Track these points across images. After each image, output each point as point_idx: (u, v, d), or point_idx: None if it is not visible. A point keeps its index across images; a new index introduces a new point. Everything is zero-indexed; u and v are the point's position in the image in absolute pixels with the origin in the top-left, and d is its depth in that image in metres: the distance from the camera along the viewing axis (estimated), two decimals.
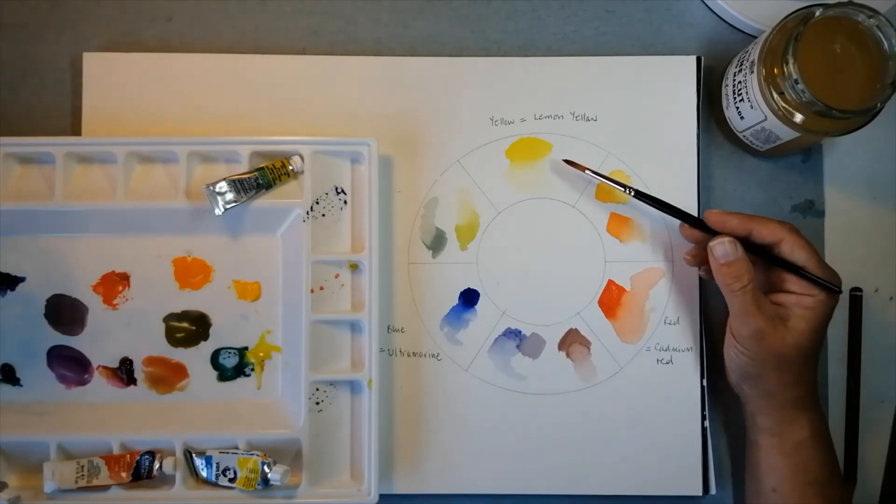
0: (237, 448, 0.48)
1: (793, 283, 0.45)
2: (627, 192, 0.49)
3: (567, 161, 0.51)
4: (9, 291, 0.51)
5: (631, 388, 0.51)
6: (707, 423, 0.51)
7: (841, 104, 0.44)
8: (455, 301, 0.52)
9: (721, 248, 0.45)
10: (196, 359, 0.51)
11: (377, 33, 0.54)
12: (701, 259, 0.48)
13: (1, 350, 0.50)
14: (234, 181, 0.49)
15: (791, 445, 0.45)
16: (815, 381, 0.46)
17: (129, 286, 0.51)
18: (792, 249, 0.45)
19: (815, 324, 0.44)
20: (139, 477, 0.48)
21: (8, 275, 0.51)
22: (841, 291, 0.45)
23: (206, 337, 0.51)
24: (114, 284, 0.51)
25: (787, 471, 0.45)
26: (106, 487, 0.48)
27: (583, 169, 0.50)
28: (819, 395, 0.47)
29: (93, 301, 0.51)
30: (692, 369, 0.51)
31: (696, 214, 0.51)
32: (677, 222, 0.51)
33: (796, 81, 0.44)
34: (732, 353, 0.46)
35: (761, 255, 0.46)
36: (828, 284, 0.44)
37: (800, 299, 0.45)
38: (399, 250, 0.52)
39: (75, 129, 0.52)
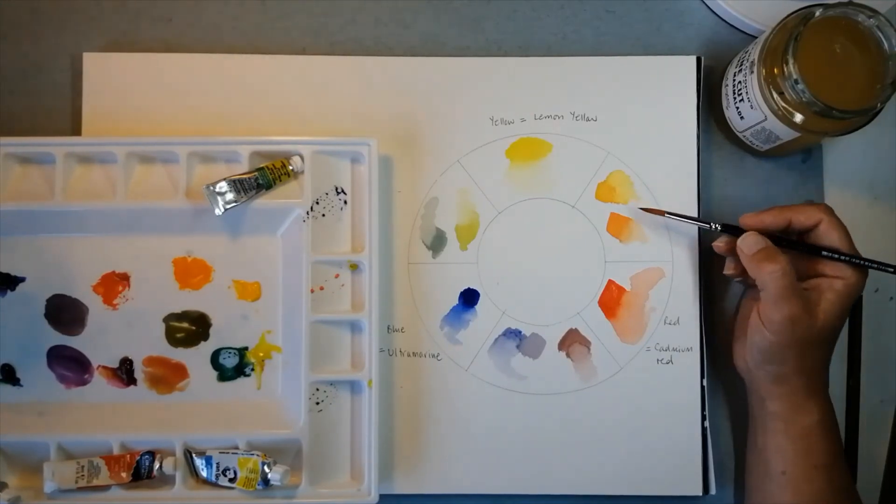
0: (237, 448, 0.48)
1: (826, 266, 0.46)
2: (712, 228, 0.48)
3: (644, 209, 0.51)
4: (9, 291, 0.51)
5: (631, 388, 0.51)
6: (707, 423, 0.51)
7: (841, 104, 0.44)
8: (455, 301, 0.52)
9: (747, 242, 0.46)
10: (196, 359, 0.51)
11: (377, 33, 0.54)
12: (741, 267, 0.48)
13: (1, 350, 0.50)
14: (234, 181, 0.49)
15: (798, 430, 0.46)
16: (826, 369, 0.47)
17: (129, 286, 0.51)
18: (828, 230, 0.46)
19: (842, 308, 0.45)
20: (139, 477, 0.48)
21: (8, 275, 0.51)
22: (867, 267, 0.45)
23: (206, 337, 0.51)
24: (114, 284, 0.51)
25: (795, 454, 0.46)
26: (106, 487, 0.48)
27: (662, 213, 0.50)
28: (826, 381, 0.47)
29: (93, 301, 0.51)
30: (692, 369, 0.51)
31: (696, 214, 0.51)
32: (677, 222, 0.51)
33: (796, 81, 0.44)
34: (758, 338, 0.46)
35: (793, 248, 0.46)
36: (862, 263, 0.45)
37: (831, 283, 0.45)
38: (399, 250, 0.52)
39: (75, 129, 0.52)
